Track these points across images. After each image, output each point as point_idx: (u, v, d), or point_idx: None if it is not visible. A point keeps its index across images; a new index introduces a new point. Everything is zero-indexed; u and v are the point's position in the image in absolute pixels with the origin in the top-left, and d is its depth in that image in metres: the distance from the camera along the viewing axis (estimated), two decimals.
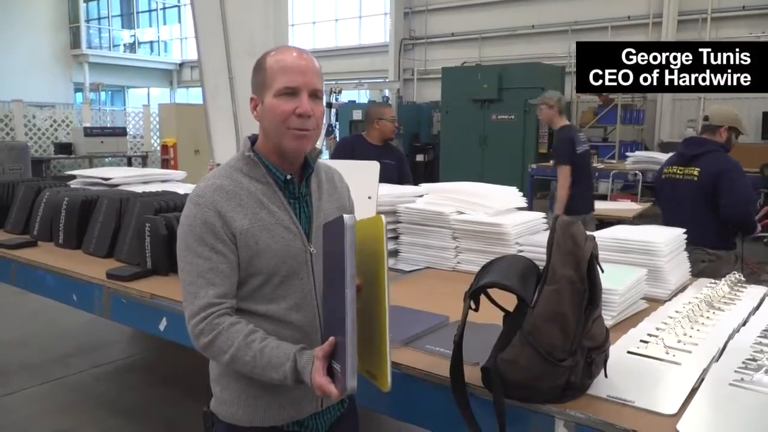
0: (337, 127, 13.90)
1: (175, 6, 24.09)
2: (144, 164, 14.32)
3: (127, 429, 3.49)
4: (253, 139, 1.54)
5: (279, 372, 1.34)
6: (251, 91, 1.50)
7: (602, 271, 1.54)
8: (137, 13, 24.64)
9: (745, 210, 3.61)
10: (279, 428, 1.53)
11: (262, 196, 1.46)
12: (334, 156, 5.25)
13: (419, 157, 14.68)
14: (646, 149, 12.35)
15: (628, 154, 10.29)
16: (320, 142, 13.80)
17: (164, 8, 24.60)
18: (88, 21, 22.62)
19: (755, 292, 2.42)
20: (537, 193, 11.27)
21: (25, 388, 3.94)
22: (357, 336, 1.26)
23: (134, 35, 24.51)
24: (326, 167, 1.66)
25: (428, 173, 13.91)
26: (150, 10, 24.76)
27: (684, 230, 2.70)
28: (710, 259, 3.57)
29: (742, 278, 2.51)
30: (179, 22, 23.94)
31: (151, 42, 24.99)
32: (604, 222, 5.93)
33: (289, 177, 1.50)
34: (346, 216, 1.29)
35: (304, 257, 1.48)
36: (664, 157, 9.27)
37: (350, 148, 4.50)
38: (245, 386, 1.49)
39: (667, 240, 2.47)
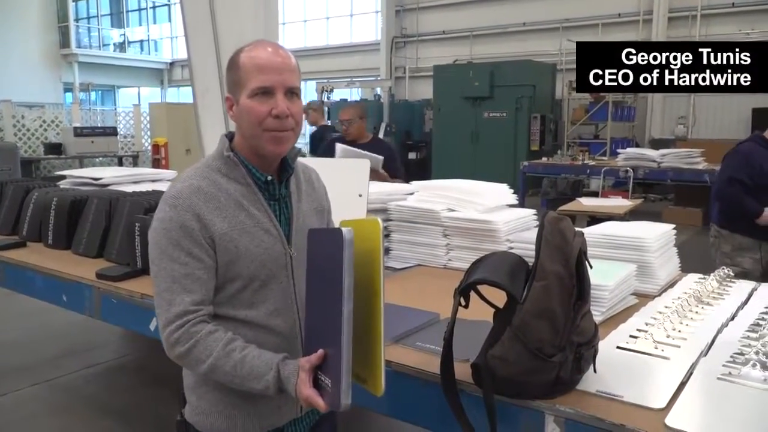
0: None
1: (165, 5, 24.01)
2: (135, 164, 14.26)
3: (119, 430, 3.48)
4: (230, 137, 1.48)
5: (260, 382, 1.31)
6: (226, 89, 1.44)
7: (591, 267, 1.55)
8: (127, 12, 24.55)
9: (720, 186, 3.90)
10: None
11: (242, 198, 1.41)
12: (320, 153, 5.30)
13: (411, 155, 14.69)
14: (637, 146, 12.42)
15: (619, 150, 10.34)
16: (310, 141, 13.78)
17: (154, 7, 24.51)
18: (77, 20, 22.52)
19: (743, 287, 2.44)
20: (529, 190, 11.31)
21: (16, 390, 3.91)
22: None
23: (124, 34, 24.42)
24: (304, 167, 1.61)
25: (420, 171, 13.92)
26: (140, 9, 24.68)
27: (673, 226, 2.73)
28: (714, 236, 3.95)
29: (731, 273, 2.52)
30: (169, 20, 23.86)
31: (141, 41, 24.90)
32: (596, 218, 5.95)
33: (269, 178, 1.45)
34: (344, 230, 1.23)
35: (284, 261, 1.45)
36: (655, 153, 9.38)
37: (328, 147, 4.61)
38: (224, 395, 1.44)
39: (657, 236, 2.48)
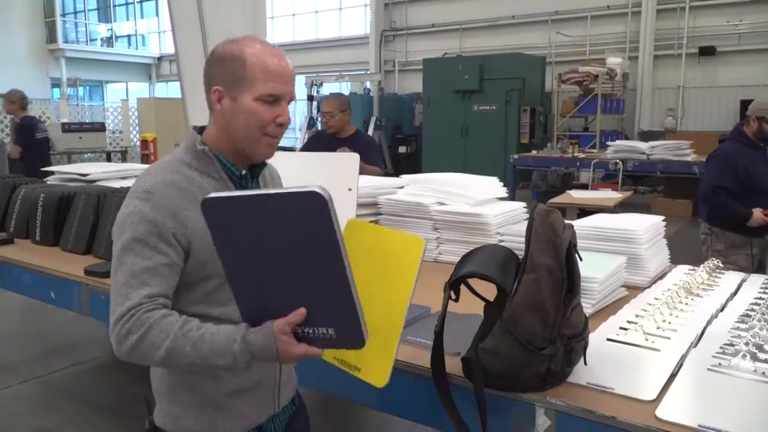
0: (319, 120, 13.82)
1: None
2: (123, 159, 14.17)
3: (109, 427, 3.46)
4: (199, 131, 1.44)
5: (226, 357, 1.23)
6: (214, 79, 1.38)
7: (581, 260, 1.55)
8: (114, 6, 24.34)
9: (705, 194, 3.89)
10: None
11: (216, 191, 1.33)
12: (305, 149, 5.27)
13: (402, 149, 14.69)
14: (627, 138, 12.46)
15: (608, 143, 10.37)
16: (302, 135, 13.75)
17: (141, 1, 24.31)
18: (63, 15, 22.31)
19: (733, 278, 2.45)
20: (519, 183, 11.33)
21: (5, 387, 3.89)
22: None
23: (111, 29, 24.22)
24: (268, 164, 1.58)
25: (411, 164, 13.93)
26: (127, 3, 24.46)
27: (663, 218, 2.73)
28: (705, 233, 3.94)
29: (720, 265, 2.53)
30: (157, 15, 23.68)
31: (129, 36, 24.70)
32: (586, 211, 5.97)
33: (244, 172, 1.44)
34: (318, 188, 1.14)
35: None
36: (644, 146, 9.42)
37: (312, 141, 4.57)
38: (199, 397, 1.41)
39: (646, 228, 2.48)
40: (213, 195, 1.22)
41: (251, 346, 1.22)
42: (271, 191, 1.28)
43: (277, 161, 2.39)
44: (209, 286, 1.37)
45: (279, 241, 1.22)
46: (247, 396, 1.44)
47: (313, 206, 1.17)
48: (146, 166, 5.13)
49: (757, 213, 3.66)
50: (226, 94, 1.36)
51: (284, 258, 1.22)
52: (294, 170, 2.56)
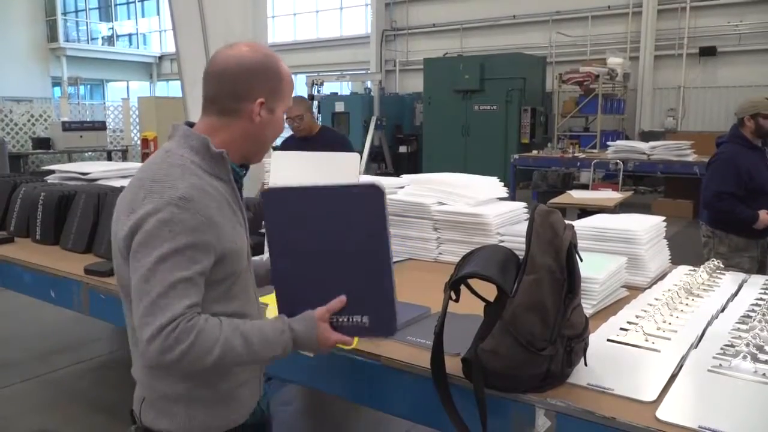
0: (320, 119, 13.85)
1: None
2: (124, 158, 14.19)
3: (110, 426, 3.45)
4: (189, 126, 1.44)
5: (277, 348, 1.34)
6: (256, 89, 1.39)
7: (581, 260, 1.54)
8: (115, 5, 24.33)
9: (709, 201, 3.86)
10: (244, 424, 1.50)
11: (228, 195, 1.40)
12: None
13: (402, 149, 14.68)
14: (627, 138, 12.45)
15: (609, 143, 10.36)
16: None
17: (142, 0, 24.30)
18: (65, 14, 22.30)
19: (733, 278, 2.45)
20: (519, 183, 11.33)
21: (6, 386, 3.89)
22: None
23: (112, 28, 24.22)
24: None
25: (411, 164, 13.92)
26: (128, 2, 24.47)
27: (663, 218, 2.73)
28: (707, 236, 3.91)
29: (721, 265, 2.53)
30: (158, 14, 23.67)
31: (130, 35, 24.70)
32: (586, 211, 5.96)
33: (244, 173, 1.50)
34: (376, 182, 1.32)
35: (248, 252, 1.47)
36: (645, 146, 9.41)
37: (285, 148, 4.43)
38: (216, 393, 1.43)
39: (647, 228, 2.48)
40: (276, 186, 1.37)
41: (296, 334, 1.35)
42: (332, 184, 1.37)
43: (277, 161, 2.38)
44: (228, 283, 1.39)
45: (330, 231, 1.34)
46: (248, 385, 1.50)
47: (372, 198, 1.32)
48: None
49: (764, 215, 3.63)
50: (266, 105, 1.41)
51: (332, 247, 1.34)
52: (294, 170, 2.56)
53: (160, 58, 23.76)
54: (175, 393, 1.42)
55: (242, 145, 1.43)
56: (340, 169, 2.69)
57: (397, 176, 3.46)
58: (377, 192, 1.31)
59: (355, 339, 1.45)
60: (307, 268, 1.38)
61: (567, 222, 1.57)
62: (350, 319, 1.37)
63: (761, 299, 2.17)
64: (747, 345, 1.68)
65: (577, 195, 7.15)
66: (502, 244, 2.48)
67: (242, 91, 1.38)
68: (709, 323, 1.93)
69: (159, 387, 1.44)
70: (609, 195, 7.15)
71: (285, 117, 1.51)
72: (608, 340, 1.79)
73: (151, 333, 1.23)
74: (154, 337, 1.23)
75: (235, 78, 1.38)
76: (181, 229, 1.26)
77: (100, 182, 3.66)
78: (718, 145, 4.03)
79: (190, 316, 1.26)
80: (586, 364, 1.55)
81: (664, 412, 1.36)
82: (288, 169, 2.55)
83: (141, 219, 1.27)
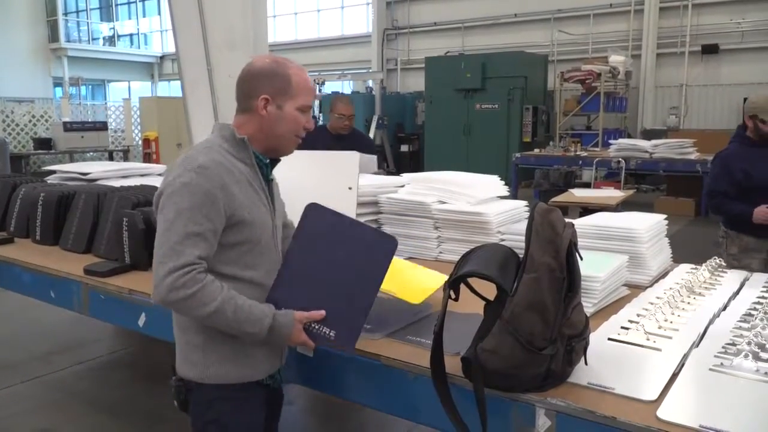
0: (321, 119, 13.85)
1: None
2: (126, 158, 14.20)
3: (110, 426, 3.45)
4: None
5: (255, 326, 1.56)
6: (260, 89, 1.66)
7: (581, 259, 1.53)
8: (116, 5, 24.33)
9: (708, 201, 3.91)
10: (259, 382, 1.73)
11: (248, 176, 1.66)
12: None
13: (404, 148, 14.67)
14: (629, 137, 12.43)
15: (611, 141, 10.34)
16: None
17: (144, 0, 24.30)
18: (66, 14, 22.29)
19: (735, 276, 2.44)
20: (521, 182, 11.32)
21: (7, 387, 3.88)
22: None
23: (113, 28, 24.21)
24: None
25: (413, 163, 13.91)
26: (129, 2, 24.46)
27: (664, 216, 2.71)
28: (722, 236, 3.87)
29: (723, 263, 2.52)
30: (159, 14, 23.65)
31: (131, 35, 24.69)
32: (588, 209, 5.95)
33: (268, 161, 1.74)
34: (394, 237, 1.67)
35: (272, 231, 1.73)
36: (647, 144, 9.39)
37: (311, 139, 4.48)
38: (233, 347, 1.65)
39: (648, 227, 2.47)
40: (319, 204, 1.64)
41: (275, 323, 1.57)
42: (364, 222, 1.76)
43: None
44: (241, 249, 1.64)
45: (343, 257, 1.62)
46: (263, 348, 1.69)
47: (387, 247, 1.63)
48: (148, 165, 5.13)
49: (760, 209, 3.61)
50: (272, 102, 1.67)
51: (337, 270, 1.61)
52: (295, 169, 2.54)
53: (162, 58, 23.75)
54: (194, 343, 1.67)
55: (261, 138, 1.70)
56: (340, 167, 2.69)
57: (399, 175, 3.44)
58: (392, 243, 1.64)
59: (315, 347, 1.67)
60: (308, 274, 1.63)
61: (567, 220, 1.56)
62: (320, 329, 1.61)
63: (763, 297, 2.16)
64: (749, 344, 1.67)
65: (579, 194, 7.13)
66: (502, 242, 2.47)
67: (250, 90, 1.68)
68: (711, 322, 1.92)
69: (183, 338, 1.70)
70: (611, 193, 7.13)
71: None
72: (609, 339, 1.78)
73: (166, 270, 1.50)
74: (166, 275, 1.50)
75: (244, 81, 1.70)
76: (197, 190, 1.54)
77: (100, 182, 3.65)
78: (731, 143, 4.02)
79: (201, 269, 1.53)
80: (586, 363, 1.54)
81: (665, 412, 1.35)
82: (288, 167, 2.55)
83: (168, 182, 1.58)
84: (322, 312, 1.61)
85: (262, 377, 1.73)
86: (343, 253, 1.62)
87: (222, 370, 1.66)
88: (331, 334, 1.61)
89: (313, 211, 1.65)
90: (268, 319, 1.57)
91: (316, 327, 1.62)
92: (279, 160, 1.80)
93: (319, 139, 4.52)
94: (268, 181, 1.76)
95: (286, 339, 1.61)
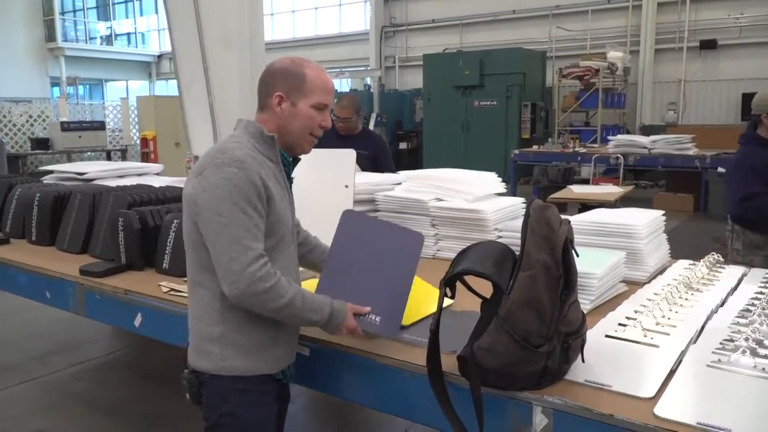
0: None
1: None
2: (123, 158, 14.18)
3: (107, 426, 3.44)
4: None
5: (318, 314, 1.63)
6: (276, 87, 1.69)
7: (577, 256, 1.52)
8: (113, 4, 24.28)
9: (736, 211, 3.65)
10: (272, 376, 1.74)
11: (274, 173, 1.70)
12: None
13: (402, 145, 14.66)
14: (628, 133, 12.42)
15: (609, 137, 10.33)
16: None
17: None
18: (63, 13, 22.25)
19: (733, 272, 2.43)
20: (520, 179, 11.30)
21: (4, 389, 3.87)
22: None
23: (111, 27, 24.16)
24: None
25: (411, 161, 13.89)
26: (126, 1, 24.40)
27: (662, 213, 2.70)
28: (729, 231, 3.81)
29: (721, 259, 2.51)
30: (156, 12, 23.58)
31: (129, 34, 24.65)
32: (587, 206, 5.94)
33: (291, 159, 1.79)
34: (421, 236, 1.89)
35: (293, 229, 1.79)
36: (645, 140, 9.38)
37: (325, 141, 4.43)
38: (249, 340, 1.67)
39: (646, 223, 2.46)
40: (355, 210, 1.80)
41: (334, 311, 1.65)
42: (393, 223, 1.99)
43: None
44: (270, 244, 1.65)
45: (378, 253, 1.79)
46: (281, 343, 1.74)
47: (416, 240, 1.86)
48: (145, 164, 5.11)
49: None
50: (286, 100, 1.69)
51: (375, 263, 1.78)
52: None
53: (159, 57, 23.70)
54: (212, 335, 1.67)
55: (279, 135, 1.71)
56: (337, 165, 2.67)
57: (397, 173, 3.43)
58: (419, 237, 1.88)
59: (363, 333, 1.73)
60: (350, 269, 1.76)
61: (563, 217, 1.55)
62: (366, 316, 1.72)
63: (761, 293, 2.15)
64: (746, 340, 1.66)
65: (577, 190, 7.12)
66: (500, 239, 2.47)
67: (268, 88, 1.72)
68: (709, 318, 1.91)
69: (200, 329, 1.70)
70: (610, 190, 7.12)
71: (332, 116, 1.75)
72: (606, 335, 1.77)
73: (242, 265, 1.53)
74: (246, 267, 1.53)
75: (263, 80, 1.74)
76: (244, 182, 1.56)
77: (96, 182, 3.64)
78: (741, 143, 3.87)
79: (268, 261, 1.58)
80: (583, 361, 1.53)
81: (662, 409, 1.34)
82: None
83: (207, 178, 1.58)
84: (368, 308, 1.72)
85: (276, 371, 1.74)
86: (379, 249, 1.80)
87: (238, 362, 1.67)
88: (376, 319, 1.73)
89: (349, 216, 1.82)
90: (327, 307, 1.64)
91: (363, 314, 1.73)
92: (299, 159, 1.83)
93: (325, 137, 4.47)
94: (290, 180, 1.80)
95: (340, 325, 1.67)
